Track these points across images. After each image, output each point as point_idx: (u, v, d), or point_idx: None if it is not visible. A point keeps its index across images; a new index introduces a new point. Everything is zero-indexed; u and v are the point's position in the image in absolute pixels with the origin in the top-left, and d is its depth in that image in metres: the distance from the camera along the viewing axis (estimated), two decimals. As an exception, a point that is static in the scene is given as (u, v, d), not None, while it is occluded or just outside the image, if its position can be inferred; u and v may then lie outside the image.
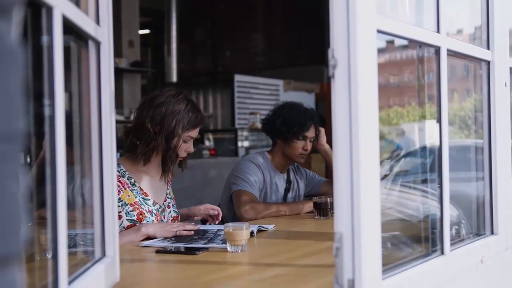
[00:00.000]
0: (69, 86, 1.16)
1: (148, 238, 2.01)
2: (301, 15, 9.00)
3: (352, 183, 1.09)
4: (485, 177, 1.76)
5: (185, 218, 2.38)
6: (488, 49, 1.74)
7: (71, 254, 1.04)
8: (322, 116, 3.10)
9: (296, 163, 2.98)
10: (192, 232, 2.07)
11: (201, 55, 10.60)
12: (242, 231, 1.76)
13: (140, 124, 2.16)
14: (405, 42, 1.50)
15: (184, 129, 2.18)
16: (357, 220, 1.09)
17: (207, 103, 8.02)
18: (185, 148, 2.23)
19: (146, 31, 10.21)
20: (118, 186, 2.11)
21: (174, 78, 8.83)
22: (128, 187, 2.17)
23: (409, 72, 1.83)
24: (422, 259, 1.39)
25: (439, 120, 1.45)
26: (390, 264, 1.26)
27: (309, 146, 2.84)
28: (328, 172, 3.35)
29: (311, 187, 3.04)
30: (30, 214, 0.97)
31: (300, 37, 9.30)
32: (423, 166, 1.82)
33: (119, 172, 2.16)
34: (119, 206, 2.09)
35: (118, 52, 7.06)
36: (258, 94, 7.73)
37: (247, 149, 7.11)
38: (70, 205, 1.10)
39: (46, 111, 0.92)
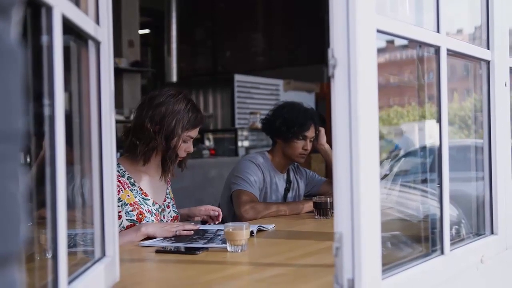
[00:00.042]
0: (69, 86, 1.15)
1: (148, 238, 2.01)
2: (301, 15, 9.00)
3: (352, 183, 1.09)
4: (485, 177, 1.76)
5: (185, 218, 2.38)
6: (488, 49, 1.74)
7: (71, 254, 1.04)
8: (322, 116, 3.09)
9: (296, 163, 2.98)
10: (192, 232, 2.07)
11: (201, 55, 10.60)
12: (242, 231, 1.77)
13: (140, 124, 2.16)
14: (405, 42, 1.50)
15: (183, 129, 2.18)
16: (357, 220, 1.09)
17: (207, 103, 8.02)
18: (185, 148, 2.22)
19: (146, 31, 10.21)
20: (118, 186, 2.11)
21: (174, 78, 8.83)
22: (128, 187, 2.17)
23: (409, 72, 1.83)
24: (422, 259, 1.39)
25: (439, 120, 1.45)
26: (390, 264, 1.26)
27: (309, 146, 2.84)
28: (328, 172, 3.35)
29: (311, 187, 3.04)
30: (30, 214, 0.98)
31: (300, 37, 9.30)
32: (423, 166, 1.82)
33: (118, 172, 2.16)
34: (118, 206, 2.09)
35: (118, 52, 7.06)
36: (258, 94, 7.73)
37: (247, 149, 7.11)
38: (70, 205, 1.10)
39: (46, 111, 0.92)
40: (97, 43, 1.27)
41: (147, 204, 2.19)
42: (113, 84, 1.32)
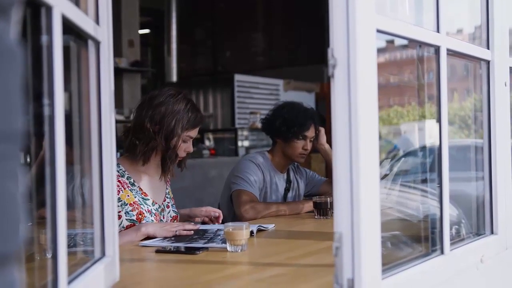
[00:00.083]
0: (68, 86, 1.15)
1: (148, 237, 2.01)
2: (301, 15, 9.00)
3: (352, 183, 1.09)
4: (485, 176, 1.76)
5: (185, 218, 2.38)
6: (488, 48, 1.74)
7: (70, 254, 1.04)
8: (322, 115, 3.10)
9: (296, 163, 2.98)
10: (192, 231, 2.07)
11: (201, 54, 10.60)
12: (242, 231, 1.77)
13: (140, 124, 2.16)
14: (405, 42, 1.50)
15: (183, 129, 2.18)
16: (356, 219, 1.09)
17: (207, 102, 8.02)
18: (185, 148, 2.22)
19: (146, 30, 10.21)
20: (118, 186, 2.11)
21: (174, 78, 8.83)
22: (128, 187, 2.17)
23: (409, 72, 1.83)
24: (422, 259, 1.39)
25: (439, 120, 1.45)
26: (389, 263, 1.26)
27: (309, 145, 2.84)
28: (328, 172, 3.35)
29: (311, 186, 3.04)
30: (30, 213, 0.98)
31: (300, 37, 9.30)
32: (423, 166, 1.82)
33: (118, 172, 2.16)
34: (118, 206, 2.09)
35: (118, 52, 7.06)
36: (258, 94, 7.72)
37: (247, 149, 7.11)
38: (70, 205, 1.10)
39: (46, 111, 0.92)
40: (97, 43, 1.27)
41: (146, 204, 2.19)
42: (113, 84, 1.32)
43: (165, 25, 8.87)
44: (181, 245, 1.88)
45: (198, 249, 1.79)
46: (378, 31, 1.17)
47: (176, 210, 2.36)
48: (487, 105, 1.75)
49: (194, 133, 2.24)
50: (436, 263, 1.42)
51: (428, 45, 1.48)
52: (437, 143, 1.46)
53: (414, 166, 2.11)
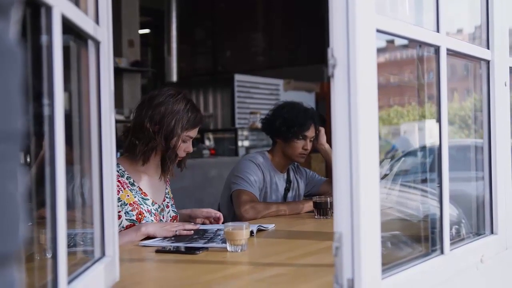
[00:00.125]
0: (68, 85, 1.15)
1: (148, 237, 2.01)
2: (301, 15, 9.00)
3: (352, 183, 1.09)
4: (485, 176, 1.76)
5: (186, 219, 2.37)
6: (488, 48, 1.74)
7: (70, 254, 1.04)
8: (322, 115, 3.10)
9: (296, 163, 2.98)
10: (192, 231, 2.07)
11: (201, 54, 10.60)
12: (242, 231, 1.77)
13: (139, 124, 2.16)
14: (405, 42, 1.50)
15: (183, 128, 2.18)
16: (356, 219, 1.09)
17: (207, 102, 8.02)
18: (184, 148, 2.22)
19: (146, 30, 10.21)
20: (118, 186, 2.11)
21: (174, 78, 8.83)
22: (128, 186, 2.17)
23: (409, 72, 1.83)
24: (421, 259, 1.39)
25: (439, 120, 1.45)
26: (389, 263, 1.26)
27: (309, 145, 2.84)
28: (328, 172, 3.35)
29: (311, 186, 3.04)
30: (30, 213, 0.98)
31: (300, 37, 9.30)
32: (423, 166, 1.82)
33: (118, 172, 2.16)
34: (118, 206, 2.09)
35: (118, 52, 7.06)
36: (258, 94, 7.72)
37: (247, 149, 7.10)
38: (70, 205, 1.10)
39: (46, 111, 0.92)
40: (97, 43, 1.27)
41: (146, 204, 2.19)
42: (113, 84, 1.32)
43: (165, 25, 8.88)
44: (181, 245, 1.88)
45: (198, 249, 1.79)
46: (378, 31, 1.17)
47: (175, 210, 2.36)
48: (487, 105, 1.75)
49: (193, 133, 2.24)
50: (436, 263, 1.42)
51: (428, 45, 1.48)
52: (437, 143, 1.46)
53: (414, 166, 2.12)
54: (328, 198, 2.51)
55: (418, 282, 1.33)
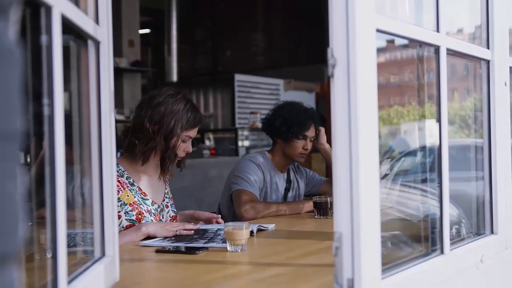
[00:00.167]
0: (68, 86, 1.15)
1: (148, 237, 2.01)
2: (301, 15, 9.00)
3: (352, 183, 1.09)
4: (485, 176, 1.76)
5: (188, 219, 2.37)
6: (488, 48, 1.74)
7: (70, 254, 1.04)
8: (322, 115, 3.09)
9: (296, 163, 2.98)
10: (192, 231, 2.07)
11: (201, 54, 10.60)
12: (242, 231, 1.77)
13: (139, 124, 2.16)
14: (405, 42, 1.50)
15: (183, 128, 2.18)
16: (356, 219, 1.09)
17: (207, 102, 8.02)
18: (184, 147, 2.22)
19: (147, 30, 10.21)
20: (117, 186, 2.11)
21: (175, 78, 8.82)
22: (127, 186, 2.17)
23: (410, 72, 1.83)
24: (421, 259, 1.39)
25: (438, 120, 1.45)
26: (389, 263, 1.26)
27: (309, 145, 2.84)
28: (329, 172, 3.35)
29: (311, 186, 3.04)
30: (30, 213, 0.98)
31: (300, 37, 9.30)
32: (423, 166, 1.82)
33: (118, 172, 2.16)
34: (118, 206, 2.09)
35: (118, 52, 7.06)
36: (259, 94, 7.72)
37: (248, 149, 7.11)
38: (70, 205, 1.10)
39: (46, 111, 0.92)
40: (97, 43, 1.26)
41: (146, 204, 2.19)
42: (113, 83, 1.32)
43: (165, 25, 8.87)
44: (181, 244, 1.88)
45: (198, 249, 1.79)
46: (378, 31, 1.17)
47: (175, 210, 2.36)
48: (487, 104, 1.75)
49: (193, 133, 2.24)
50: (436, 263, 1.41)
51: (428, 45, 1.48)
52: (437, 143, 1.46)
53: (414, 166, 2.11)
54: (328, 198, 2.51)
55: (418, 282, 1.33)
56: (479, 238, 1.71)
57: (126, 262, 1.61)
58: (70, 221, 1.11)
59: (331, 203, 2.46)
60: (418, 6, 1.75)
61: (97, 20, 1.27)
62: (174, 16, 8.82)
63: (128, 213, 2.12)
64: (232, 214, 2.74)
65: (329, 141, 2.87)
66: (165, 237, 2.01)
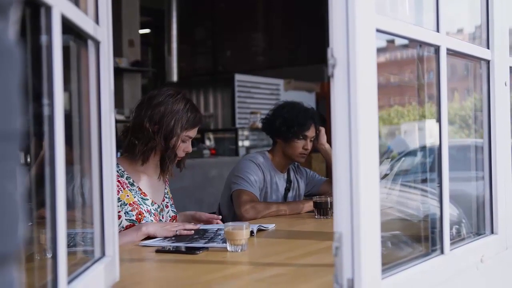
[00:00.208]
0: (68, 86, 1.15)
1: (148, 237, 2.01)
2: (301, 15, 9.00)
3: (352, 183, 1.09)
4: (485, 176, 1.76)
5: (189, 219, 2.37)
6: (488, 48, 1.74)
7: (70, 254, 1.04)
8: (322, 115, 3.10)
9: (296, 163, 2.98)
10: (193, 231, 2.07)
11: (202, 54, 10.60)
12: (242, 231, 1.77)
13: (139, 124, 2.16)
14: (405, 42, 1.50)
15: (182, 128, 2.18)
16: (356, 219, 1.09)
17: (207, 102, 8.02)
18: (184, 147, 2.22)
19: (147, 30, 10.21)
20: (117, 186, 2.11)
21: (175, 78, 8.82)
22: (127, 187, 2.17)
23: (410, 72, 1.83)
24: (421, 259, 1.39)
25: (438, 120, 1.45)
26: (389, 263, 1.26)
27: (309, 145, 2.84)
28: (329, 172, 3.35)
29: (311, 186, 3.04)
30: (30, 213, 0.98)
31: (300, 37, 9.30)
32: (423, 166, 1.82)
33: (117, 172, 2.16)
34: (118, 206, 2.09)
35: (118, 52, 7.06)
36: (259, 94, 7.72)
37: (248, 149, 7.10)
38: (70, 205, 1.10)
39: (46, 111, 0.92)
40: (97, 43, 1.26)
41: (146, 204, 2.19)
42: (113, 83, 1.32)
43: (165, 25, 8.87)
44: (182, 244, 1.88)
45: (198, 249, 1.79)
46: (378, 30, 1.17)
47: (175, 210, 2.36)
48: (487, 104, 1.75)
49: (193, 133, 2.24)
50: (436, 263, 1.41)
51: (428, 45, 1.48)
52: (437, 142, 1.46)
53: (414, 166, 2.11)
54: (328, 198, 2.51)
55: (418, 282, 1.33)
56: (479, 238, 1.71)
57: (126, 262, 1.61)
58: (70, 221, 1.11)
59: (331, 203, 2.46)
60: (418, 6, 1.75)
61: (97, 20, 1.27)
62: (174, 16, 8.82)
63: (128, 213, 2.12)
64: (232, 214, 2.74)
65: (329, 141, 2.87)
66: (165, 237, 2.01)
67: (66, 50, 0.99)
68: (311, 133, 2.83)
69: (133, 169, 2.22)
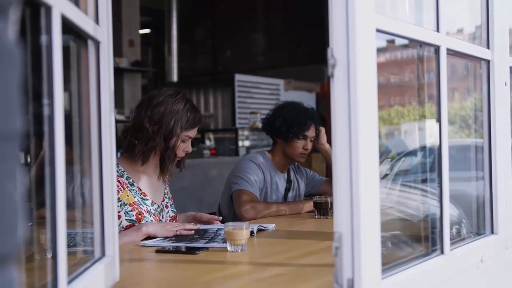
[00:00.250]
0: (68, 86, 1.15)
1: (148, 237, 2.01)
2: (301, 15, 9.00)
3: (352, 183, 1.09)
4: (485, 176, 1.76)
5: (190, 220, 2.37)
6: (488, 48, 1.74)
7: (70, 254, 1.04)
8: (322, 115, 3.10)
9: (296, 163, 2.98)
10: (193, 231, 2.07)
11: (202, 54, 10.60)
12: (242, 231, 1.76)
13: (139, 124, 2.16)
14: (405, 42, 1.50)
15: (182, 128, 2.18)
16: (356, 219, 1.09)
17: (207, 102, 8.02)
18: (184, 147, 2.22)
19: (147, 30, 10.21)
20: (117, 186, 2.11)
21: (175, 78, 8.83)
22: (127, 187, 2.17)
23: (410, 72, 1.83)
24: (422, 259, 1.39)
25: (439, 120, 1.45)
26: (389, 263, 1.26)
27: (309, 145, 2.84)
28: (329, 172, 3.35)
29: (312, 186, 3.04)
30: (30, 213, 0.98)
31: (300, 37, 9.30)
32: (423, 166, 1.82)
33: (117, 172, 2.16)
34: (118, 206, 2.09)
35: (118, 52, 7.06)
36: (259, 94, 7.72)
37: (248, 149, 7.11)
38: (70, 205, 1.10)
39: (46, 111, 0.92)
40: (97, 43, 1.26)
41: (146, 204, 2.19)
42: (113, 83, 1.32)
43: (166, 25, 8.87)
44: (182, 244, 1.88)
45: (198, 249, 1.79)
46: (378, 30, 1.17)
47: (175, 210, 2.36)
48: (487, 104, 1.74)
49: (193, 133, 2.24)
50: (436, 263, 1.41)
51: (428, 45, 1.48)
52: (437, 143, 1.46)
53: (414, 166, 2.11)
54: (328, 198, 2.51)
55: (418, 282, 1.33)
56: (479, 238, 1.71)
57: (126, 262, 1.61)
58: (70, 221, 1.11)
59: (331, 203, 2.46)
60: (418, 6, 1.75)
61: (97, 20, 1.27)
62: (174, 16, 8.82)
63: (128, 213, 2.12)
64: (232, 214, 2.74)
65: (329, 141, 2.87)
66: (165, 237, 2.01)
67: (66, 50, 0.99)
68: (311, 133, 2.83)
69: (133, 169, 2.22)
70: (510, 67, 1.82)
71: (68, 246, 0.98)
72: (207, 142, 7.33)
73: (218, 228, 2.14)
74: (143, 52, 8.13)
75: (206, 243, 1.89)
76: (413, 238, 1.60)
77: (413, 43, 1.51)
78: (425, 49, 1.56)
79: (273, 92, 7.85)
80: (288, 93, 7.65)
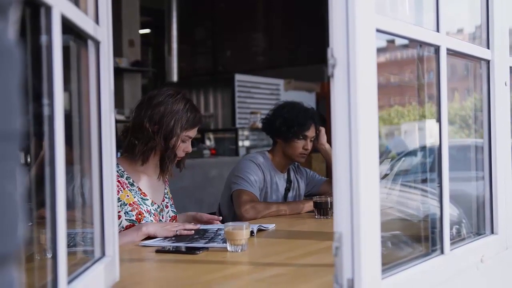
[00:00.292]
0: (68, 86, 1.15)
1: (148, 237, 2.01)
2: (301, 15, 9.00)
3: (352, 183, 1.09)
4: (485, 176, 1.76)
5: (191, 220, 2.37)
6: (488, 48, 1.74)
7: (70, 254, 1.04)
8: (322, 115, 3.10)
9: (296, 163, 2.98)
10: (193, 231, 2.07)
11: (202, 54, 10.60)
12: (242, 231, 1.76)
13: (139, 124, 2.16)
14: (405, 42, 1.50)
15: (182, 128, 2.18)
16: (356, 219, 1.09)
17: (207, 102, 8.02)
18: (184, 147, 2.22)
19: (147, 30, 10.21)
20: (117, 186, 2.11)
21: (175, 78, 8.82)
22: (127, 187, 2.17)
23: (410, 72, 1.83)
24: (422, 259, 1.39)
25: (438, 120, 1.45)
26: (389, 263, 1.26)
27: (309, 145, 2.84)
28: (329, 172, 3.35)
29: (312, 186, 3.04)
30: (30, 213, 0.98)
31: (300, 37, 9.30)
32: (423, 166, 1.82)
33: (117, 172, 2.16)
34: (118, 206, 2.09)
35: (118, 52, 7.06)
36: (259, 94, 7.72)
37: (248, 149, 7.11)
38: (70, 205, 1.10)
39: (46, 111, 0.92)
40: (97, 43, 1.26)
41: (146, 204, 2.19)
42: (113, 83, 1.32)
43: (166, 25, 8.87)
44: (182, 244, 1.88)
45: (198, 249, 1.79)
46: (378, 30, 1.17)
47: (175, 210, 2.36)
48: (487, 104, 1.75)
49: (193, 133, 2.24)
50: (436, 263, 1.41)
51: (428, 45, 1.48)
52: (437, 143, 1.46)
53: (414, 166, 2.11)
54: (328, 198, 2.51)
55: (418, 282, 1.33)
56: (479, 238, 1.71)
57: (126, 262, 1.61)
58: (70, 221, 1.11)
59: (331, 203, 2.46)
60: (418, 6, 1.75)
61: (97, 20, 1.27)
62: (174, 16, 8.82)
63: (128, 213, 2.12)
64: (232, 214, 2.74)
65: (329, 141, 2.87)
66: (165, 237, 2.01)
67: (66, 50, 0.99)
68: (311, 133, 2.83)
69: (133, 169, 2.22)
70: (510, 67, 1.82)
71: (68, 246, 0.98)
72: (207, 142, 7.33)
73: (218, 228, 2.14)
74: (143, 52, 8.13)
75: (206, 243, 1.89)
76: (413, 238, 1.60)
77: (413, 43, 1.51)
78: (425, 49, 1.56)
79: (273, 92, 7.85)
80: (288, 93, 7.65)
